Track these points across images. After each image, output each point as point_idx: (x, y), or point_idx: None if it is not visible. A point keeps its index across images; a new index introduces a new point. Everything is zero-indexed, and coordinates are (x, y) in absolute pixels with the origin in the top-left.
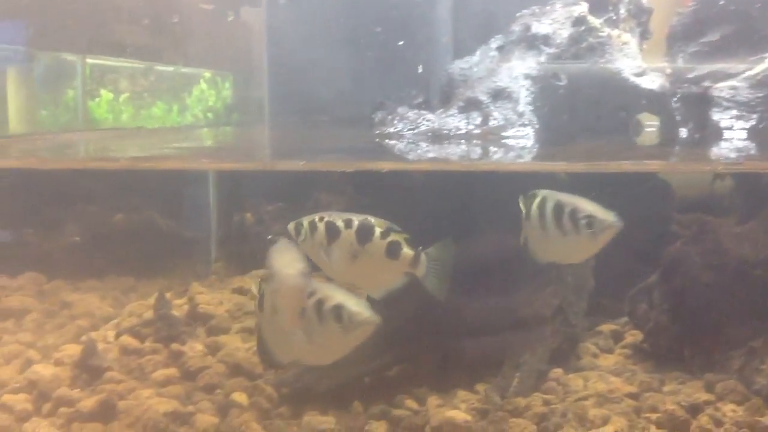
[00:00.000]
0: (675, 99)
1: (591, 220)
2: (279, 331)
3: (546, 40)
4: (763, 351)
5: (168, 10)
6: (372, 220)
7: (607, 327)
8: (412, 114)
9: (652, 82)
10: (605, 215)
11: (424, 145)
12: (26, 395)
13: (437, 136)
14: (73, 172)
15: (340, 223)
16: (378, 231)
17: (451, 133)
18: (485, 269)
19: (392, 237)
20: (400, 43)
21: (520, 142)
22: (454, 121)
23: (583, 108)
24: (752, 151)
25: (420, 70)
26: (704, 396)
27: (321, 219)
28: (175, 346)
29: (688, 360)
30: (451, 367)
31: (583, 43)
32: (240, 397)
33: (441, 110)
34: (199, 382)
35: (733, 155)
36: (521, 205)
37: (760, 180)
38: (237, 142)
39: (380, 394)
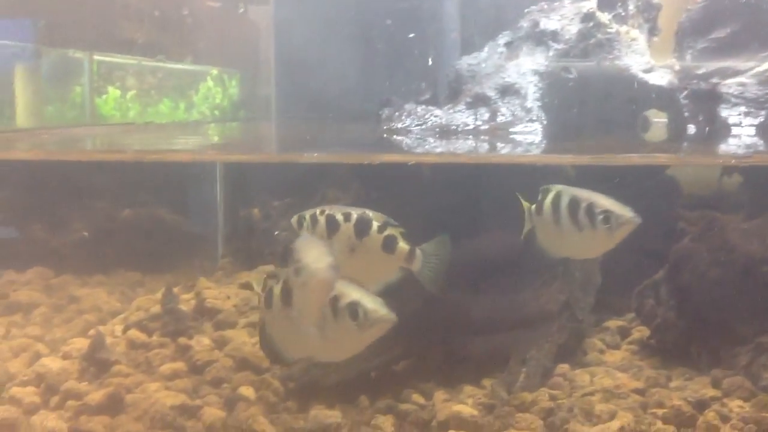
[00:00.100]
0: (683, 95)
1: (608, 215)
2: (289, 327)
3: (554, 36)
4: None
5: (175, 7)
6: (370, 214)
7: (613, 323)
8: (419, 110)
9: (661, 78)
10: (623, 210)
11: (431, 140)
12: (34, 388)
13: (445, 132)
14: (81, 169)
15: (339, 217)
16: (375, 225)
17: (459, 129)
18: (492, 264)
19: (389, 231)
20: (410, 35)
21: (527, 138)
22: (462, 116)
23: (591, 104)
24: (761, 148)
25: (429, 62)
26: (711, 392)
27: (322, 212)
28: (182, 340)
29: (695, 356)
30: (457, 362)
31: (591, 39)
32: (247, 391)
33: (449, 106)
34: (207, 376)
35: (741, 151)
36: (522, 201)
37: None
38: (244, 137)
39: (387, 389)
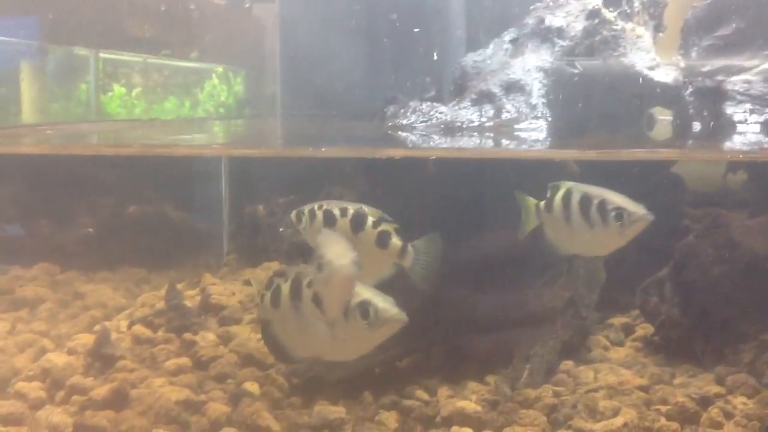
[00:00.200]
0: (688, 93)
1: (621, 212)
2: (297, 326)
3: (560, 33)
4: None
5: (181, 5)
6: (366, 209)
7: (618, 320)
8: (424, 106)
9: (666, 75)
10: (635, 208)
11: (436, 137)
12: (40, 383)
13: (450, 129)
14: (87, 165)
15: (336, 212)
16: (370, 220)
17: (464, 126)
18: (497, 260)
19: (383, 227)
20: (415, 30)
21: (532, 134)
22: (467, 113)
23: (596, 101)
24: (766, 145)
25: (435, 57)
26: (715, 389)
27: (320, 207)
28: (187, 335)
29: (699, 353)
30: (461, 358)
31: (596, 36)
32: (251, 387)
33: (454, 103)
34: (211, 371)
35: (746, 149)
36: (527, 198)
37: None
38: (249, 134)
39: (391, 385)
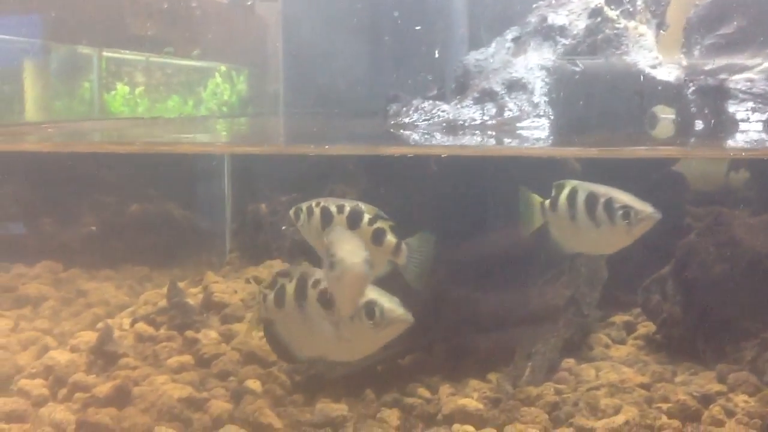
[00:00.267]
0: (691, 91)
1: (628, 210)
2: (302, 326)
3: (562, 31)
4: None
5: (184, 3)
6: (362, 206)
7: (619, 318)
8: (426, 105)
9: (668, 74)
10: (642, 206)
11: (438, 135)
12: (42, 380)
13: (452, 127)
14: (90, 164)
15: (333, 209)
16: (366, 217)
17: (466, 124)
18: (499, 258)
19: (378, 224)
20: (418, 28)
21: (534, 133)
22: (469, 112)
23: (598, 99)
24: None
25: (436, 55)
26: (716, 387)
27: (317, 204)
28: (189, 333)
29: (701, 351)
30: (463, 356)
31: (599, 34)
32: (254, 384)
33: (456, 101)
34: (213, 369)
35: (749, 147)
36: (527, 197)
37: None
38: (252, 132)
39: (393, 383)
